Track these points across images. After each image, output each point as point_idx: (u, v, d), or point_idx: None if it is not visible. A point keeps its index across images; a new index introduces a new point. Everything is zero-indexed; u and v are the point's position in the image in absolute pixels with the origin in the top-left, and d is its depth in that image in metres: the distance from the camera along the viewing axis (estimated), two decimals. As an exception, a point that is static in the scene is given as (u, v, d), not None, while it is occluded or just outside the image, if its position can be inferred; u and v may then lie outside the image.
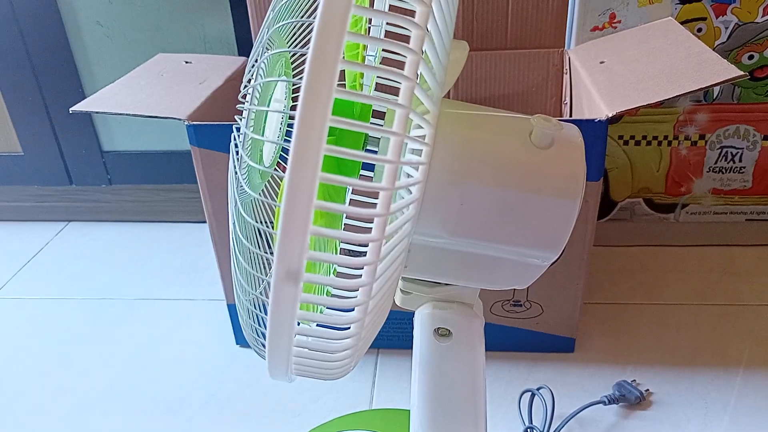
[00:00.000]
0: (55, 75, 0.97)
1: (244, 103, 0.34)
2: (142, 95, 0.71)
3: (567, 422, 0.64)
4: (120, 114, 0.67)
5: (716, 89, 0.82)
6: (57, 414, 0.71)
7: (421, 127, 0.30)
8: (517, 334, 0.74)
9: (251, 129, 0.33)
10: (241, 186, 0.31)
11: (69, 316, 0.88)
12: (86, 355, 0.80)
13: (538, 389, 0.65)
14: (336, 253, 0.38)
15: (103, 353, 0.80)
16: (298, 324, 0.28)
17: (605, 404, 0.66)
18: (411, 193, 0.30)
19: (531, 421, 0.64)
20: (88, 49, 0.96)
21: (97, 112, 0.67)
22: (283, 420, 0.69)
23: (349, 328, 0.29)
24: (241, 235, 0.31)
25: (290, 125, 0.27)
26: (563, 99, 0.83)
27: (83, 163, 1.04)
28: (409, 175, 0.30)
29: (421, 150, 0.30)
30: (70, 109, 0.65)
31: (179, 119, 0.64)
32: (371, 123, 0.36)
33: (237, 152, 0.33)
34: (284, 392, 0.72)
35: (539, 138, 0.34)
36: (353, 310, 0.28)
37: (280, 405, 0.71)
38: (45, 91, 0.99)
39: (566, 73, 0.81)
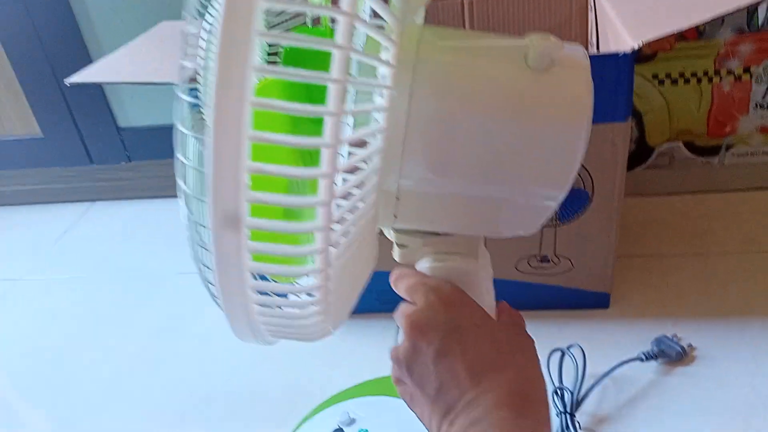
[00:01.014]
0: (67, 56, 0.96)
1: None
2: (143, 63, 0.69)
3: (601, 381, 0.60)
4: (119, 83, 0.65)
5: (761, 15, 0.74)
6: (86, 390, 0.71)
7: (387, 50, 0.26)
8: (546, 292, 0.70)
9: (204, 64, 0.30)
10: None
11: (96, 294, 0.88)
12: (114, 332, 0.80)
13: (568, 348, 0.61)
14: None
15: (130, 330, 0.80)
16: (256, 278, 0.25)
17: (642, 360, 0.62)
18: (376, 138, 0.26)
19: (561, 382, 0.60)
20: (97, 29, 0.94)
21: (96, 82, 0.65)
22: (301, 390, 0.67)
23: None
24: (180, 181, 0.27)
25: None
26: (589, 39, 0.77)
27: (101, 141, 1.03)
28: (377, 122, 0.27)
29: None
30: (66, 81, 0.62)
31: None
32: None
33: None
34: (300, 362, 0.70)
35: (536, 59, 0.30)
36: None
37: (305, 375, 0.69)
38: (58, 73, 0.98)
39: (591, 11, 0.75)
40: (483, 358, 0.32)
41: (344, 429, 0.58)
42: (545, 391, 0.34)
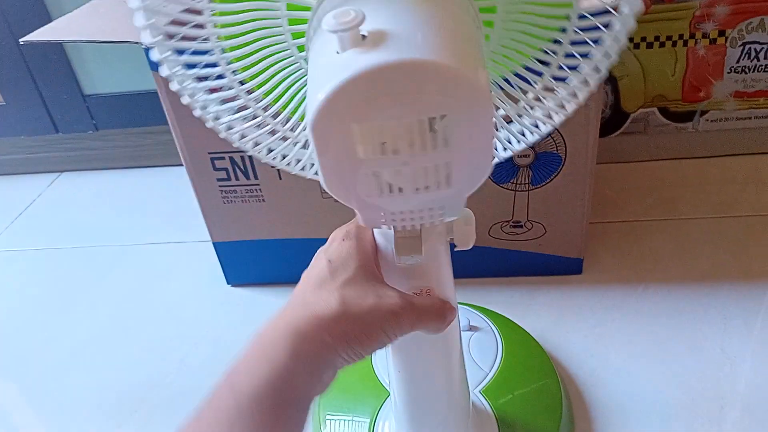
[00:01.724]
0: (28, 18, 0.92)
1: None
2: (101, 22, 0.66)
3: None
4: (77, 41, 0.62)
5: (737, -23, 0.73)
6: (52, 360, 0.70)
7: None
8: (519, 258, 0.69)
9: None
10: None
11: (63, 264, 0.86)
12: (81, 302, 0.78)
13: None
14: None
15: (97, 299, 0.78)
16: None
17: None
18: None
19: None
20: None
21: (52, 41, 0.62)
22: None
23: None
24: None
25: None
26: None
27: (66, 109, 1.00)
28: None
29: None
30: (21, 39, 0.60)
31: (137, 43, 0.59)
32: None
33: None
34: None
35: None
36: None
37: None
38: (18, 36, 0.94)
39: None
40: (309, 282, 0.35)
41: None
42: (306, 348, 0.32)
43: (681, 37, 0.77)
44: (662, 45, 0.78)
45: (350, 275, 0.34)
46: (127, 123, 1.00)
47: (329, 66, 0.25)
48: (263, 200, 0.67)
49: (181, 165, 0.99)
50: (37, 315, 0.77)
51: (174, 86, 0.33)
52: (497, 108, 0.35)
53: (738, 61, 0.78)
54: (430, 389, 0.44)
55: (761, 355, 0.58)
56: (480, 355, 0.58)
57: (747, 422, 0.53)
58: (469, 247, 0.37)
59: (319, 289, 0.34)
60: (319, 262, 0.35)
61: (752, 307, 0.63)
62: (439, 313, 0.36)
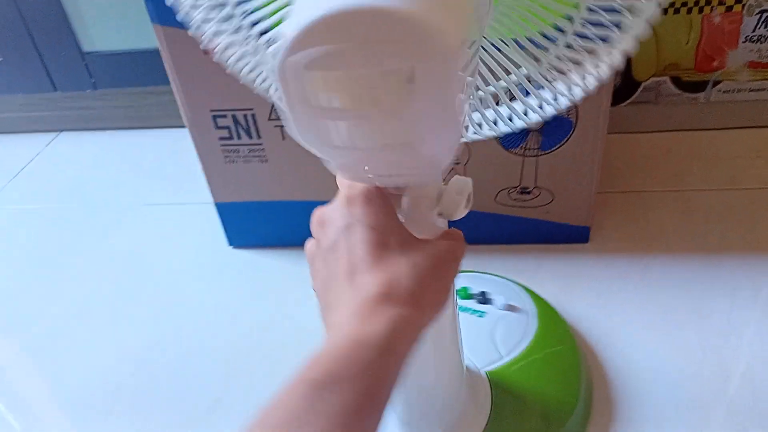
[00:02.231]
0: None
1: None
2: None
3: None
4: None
5: (758, -59, 0.71)
6: (50, 319, 0.69)
7: None
8: (525, 225, 0.68)
9: None
10: None
11: (62, 224, 0.85)
12: (80, 261, 0.77)
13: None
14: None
15: (97, 260, 0.77)
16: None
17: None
18: None
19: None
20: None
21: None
22: (279, 318, 0.65)
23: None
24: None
25: None
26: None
27: (64, 66, 0.98)
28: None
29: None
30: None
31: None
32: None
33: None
34: (280, 291, 0.68)
35: None
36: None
37: (275, 303, 0.67)
38: (15, -11, 0.92)
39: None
40: (365, 258, 0.30)
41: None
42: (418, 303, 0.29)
43: (696, 3, 0.75)
44: (677, 11, 0.76)
45: (399, 236, 0.31)
46: (127, 82, 0.98)
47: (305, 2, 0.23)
48: (266, 160, 0.66)
49: (182, 127, 0.98)
50: (34, 273, 0.77)
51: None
52: (518, 66, 0.33)
53: (754, 30, 0.76)
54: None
55: (767, 327, 0.58)
56: (504, 337, 0.55)
57: (751, 393, 0.52)
58: (455, 218, 0.35)
59: (379, 261, 0.30)
60: (355, 235, 0.31)
61: (760, 280, 0.62)
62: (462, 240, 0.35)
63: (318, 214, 0.33)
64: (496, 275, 0.63)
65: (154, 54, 0.94)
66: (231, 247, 0.76)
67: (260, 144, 0.65)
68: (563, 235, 0.68)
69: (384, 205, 0.32)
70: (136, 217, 0.84)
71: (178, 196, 0.87)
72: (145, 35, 0.93)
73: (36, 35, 0.95)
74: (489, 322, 0.57)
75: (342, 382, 0.25)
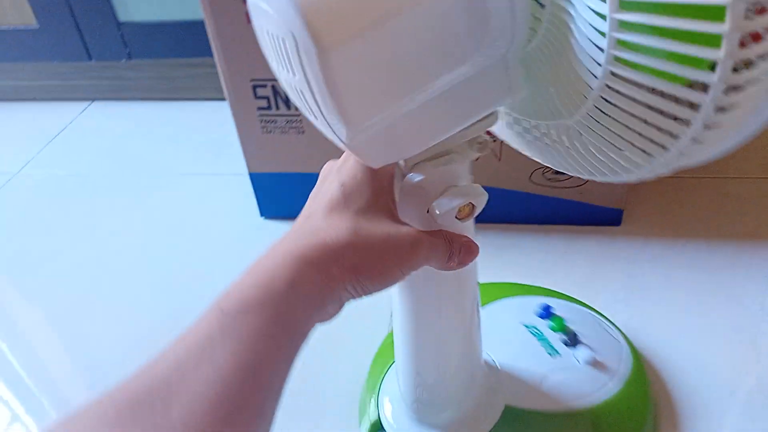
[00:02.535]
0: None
1: None
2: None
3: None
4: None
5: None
6: (80, 286, 0.70)
7: None
8: (558, 205, 0.68)
9: None
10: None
11: (94, 190, 0.86)
12: (112, 228, 0.79)
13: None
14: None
15: (129, 227, 0.79)
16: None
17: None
18: None
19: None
20: None
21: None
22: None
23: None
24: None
25: None
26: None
27: (100, 35, 0.99)
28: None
29: None
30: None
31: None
32: None
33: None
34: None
35: None
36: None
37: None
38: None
39: None
40: (319, 209, 0.31)
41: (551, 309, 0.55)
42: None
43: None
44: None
45: (365, 203, 0.31)
46: (162, 53, 0.98)
47: None
48: (303, 132, 0.66)
49: (215, 99, 0.98)
50: (65, 239, 0.78)
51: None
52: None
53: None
54: (439, 333, 0.41)
55: (802, 314, 0.58)
56: (560, 388, 0.48)
57: (784, 378, 0.52)
58: (443, 223, 0.33)
59: (329, 214, 0.31)
60: (330, 184, 0.32)
61: (795, 268, 0.62)
62: (468, 249, 0.34)
63: (329, 162, 0.35)
64: (607, 320, 0.56)
65: (190, 25, 0.96)
66: (263, 218, 0.77)
67: (297, 115, 0.65)
68: (596, 217, 0.68)
69: (365, 171, 0.32)
70: (167, 187, 0.85)
71: (210, 167, 0.88)
72: (182, 6, 0.94)
73: (73, 3, 0.96)
74: (554, 367, 0.50)
75: (253, 309, 0.27)
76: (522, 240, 0.69)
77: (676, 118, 0.24)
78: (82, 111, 1.06)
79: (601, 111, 0.26)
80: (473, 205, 0.33)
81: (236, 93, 0.65)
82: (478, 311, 0.43)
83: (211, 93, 1.00)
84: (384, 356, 0.54)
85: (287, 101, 0.64)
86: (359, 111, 0.26)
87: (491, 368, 0.50)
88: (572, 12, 0.25)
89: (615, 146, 0.28)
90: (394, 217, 0.32)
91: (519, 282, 0.60)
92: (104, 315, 0.66)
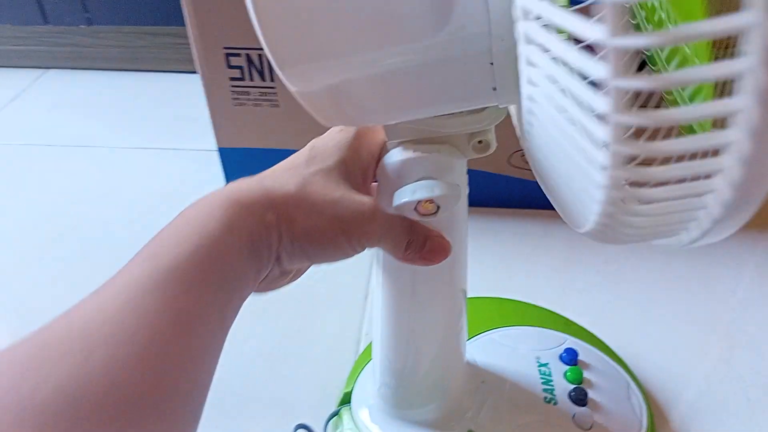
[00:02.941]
0: None
1: None
2: None
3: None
4: None
5: None
6: (34, 264, 0.66)
7: None
8: (536, 189, 0.67)
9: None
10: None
11: (47, 165, 0.81)
12: (66, 205, 0.74)
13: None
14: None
15: (85, 204, 0.74)
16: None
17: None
18: None
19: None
20: None
21: None
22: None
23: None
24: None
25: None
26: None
27: (58, -2, 0.93)
28: None
29: None
30: None
31: None
32: None
33: None
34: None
35: None
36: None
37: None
38: None
39: None
40: (285, 163, 0.31)
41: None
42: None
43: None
44: None
45: (326, 166, 0.30)
46: (124, 20, 0.93)
47: None
48: (277, 105, 0.63)
49: (179, 72, 0.94)
50: (13, 215, 0.73)
51: None
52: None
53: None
54: (412, 320, 0.39)
55: None
56: None
57: (756, 363, 0.53)
58: (400, 211, 0.31)
59: (285, 171, 0.30)
60: (303, 149, 0.32)
61: (766, 255, 0.63)
62: (436, 246, 0.32)
63: None
64: (637, 382, 0.49)
65: (155, -8, 0.91)
66: (231, 196, 0.74)
67: (272, 87, 0.62)
68: (573, 202, 0.68)
69: (342, 139, 0.31)
70: (127, 161, 0.81)
71: (174, 142, 0.84)
72: (147, -29, 0.89)
73: (29, -38, 0.90)
74: (540, 417, 0.45)
75: (186, 258, 0.25)
76: (499, 224, 0.68)
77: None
78: (36, 79, 1.00)
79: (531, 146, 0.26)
80: (437, 204, 0.30)
81: (208, 62, 0.61)
82: (462, 310, 0.40)
83: (176, 65, 0.96)
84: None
85: (261, 72, 0.61)
86: (290, 52, 0.24)
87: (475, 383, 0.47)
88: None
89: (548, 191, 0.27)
90: (356, 187, 0.30)
91: (562, 314, 0.55)
92: (57, 295, 0.62)
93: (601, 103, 0.16)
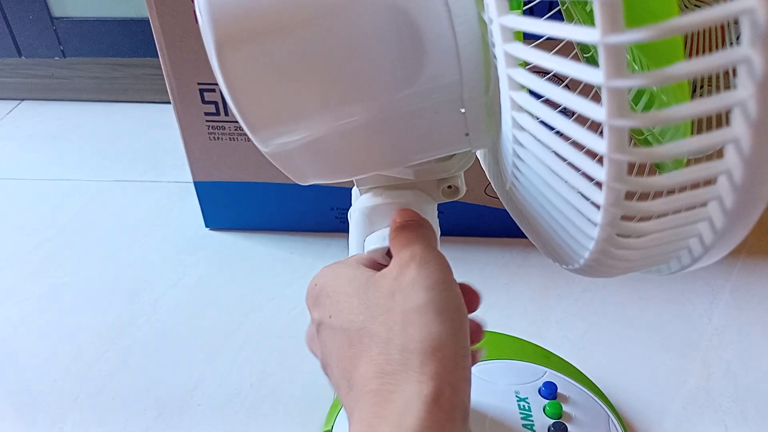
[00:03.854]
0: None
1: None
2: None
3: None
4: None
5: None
6: (18, 302, 0.65)
7: None
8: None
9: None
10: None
11: (20, 198, 0.80)
12: (45, 238, 0.73)
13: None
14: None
15: (63, 237, 0.73)
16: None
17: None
18: None
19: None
20: None
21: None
22: (255, 301, 0.63)
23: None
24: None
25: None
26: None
27: (32, 30, 0.92)
28: None
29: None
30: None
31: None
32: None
33: None
34: (256, 276, 0.66)
35: None
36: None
37: (252, 289, 0.65)
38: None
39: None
40: (342, 350, 0.26)
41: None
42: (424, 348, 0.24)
43: None
44: None
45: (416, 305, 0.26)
46: (98, 52, 0.93)
47: None
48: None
49: (154, 102, 0.94)
50: (-6, 248, 0.72)
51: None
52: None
53: None
54: None
55: (747, 327, 0.59)
56: None
57: (734, 390, 0.53)
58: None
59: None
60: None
61: (740, 282, 0.64)
62: None
63: (308, 288, 0.31)
64: (611, 407, 0.49)
65: (129, 23, 0.91)
66: (207, 229, 0.73)
67: (248, 122, 0.62)
68: (549, 230, 0.68)
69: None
70: (103, 195, 0.80)
71: (149, 174, 0.83)
72: (121, 3, 0.89)
73: (2, -4, 0.89)
74: None
75: None
76: (477, 253, 0.68)
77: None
78: (10, 111, 0.99)
79: (516, 190, 0.25)
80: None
81: (182, 97, 0.61)
82: None
83: (151, 96, 0.95)
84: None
85: (237, 107, 0.61)
86: (261, 120, 0.24)
87: None
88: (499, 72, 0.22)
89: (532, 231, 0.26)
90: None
91: (540, 345, 0.55)
92: (36, 331, 0.61)
93: (599, 143, 0.16)
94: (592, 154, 0.16)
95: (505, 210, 0.69)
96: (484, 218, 0.68)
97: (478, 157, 0.34)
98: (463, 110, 0.24)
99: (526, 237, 0.73)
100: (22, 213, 0.77)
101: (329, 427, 0.47)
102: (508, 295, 0.63)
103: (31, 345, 0.59)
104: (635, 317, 0.61)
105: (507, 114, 0.21)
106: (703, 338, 0.58)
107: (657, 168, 0.24)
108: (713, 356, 0.56)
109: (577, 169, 0.18)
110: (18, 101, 1.00)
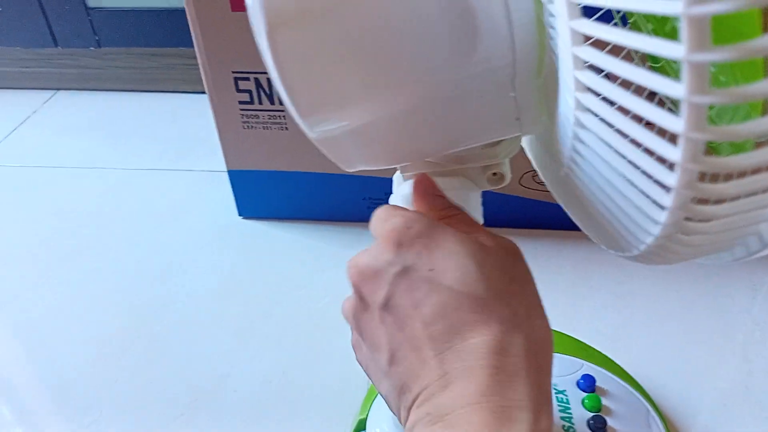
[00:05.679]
0: None
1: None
2: None
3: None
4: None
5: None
6: (49, 290, 0.66)
7: None
8: (547, 210, 0.67)
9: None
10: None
11: (57, 187, 0.82)
12: (80, 225, 0.74)
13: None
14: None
15: (98, 224, 0.74)
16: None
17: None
18: None
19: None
20: None
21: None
22: (286, 290, 0.63)
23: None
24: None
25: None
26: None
27: (67, 21, 0.94)
28: None
29: None
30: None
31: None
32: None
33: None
34: (288, 264, 0.66)
35: None
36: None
37: (283, 277, 0.65)
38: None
39: None
40: (445, 310, 0.24)
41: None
42: (545, 348, 0.25)
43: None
44: None
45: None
46: (132, 42, 0.94)
47: None
48: (286, 128, 0.63)
49: (187, 92, 0.94)
50: (27, 238, 0.73)
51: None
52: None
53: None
54: None
55: (789, 323, 0.58)
56: None
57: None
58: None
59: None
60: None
61: (780, 276, 0.62)
62: None
63: (355, 263, 0.27)
64: (650, 400, 0.49)
65: (164, 13, 0.92)
66: (241, 217, 0.73)
67: (281, 110, 0.62)
68: (584, 221, 0.67)
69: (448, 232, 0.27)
70: (136, 183, 0.81)
71: (183, 163, 0.84)
72: (155, -7, 0.90)
73: (39, -14, 0.91)
74: None
75: None
76: (509, 244, 0.67)
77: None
78: (46, 101, 1.00)
79: (574, 175, 0.24)
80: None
81: (216, 86, 0.62)
82: None
83: (185, 85, 0.96)
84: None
85: (270, 95, 0.61)
86: (312, 103, 0.24)
87: None
88: (556, 52, 0.21)
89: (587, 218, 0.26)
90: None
91: (576, 337, 0.54)
92: (70, 317, 0.62)
93: (675, 122, 0.15)
94: (662, 134, 0.16)
95: (538, 201, 0.68)
96: (517, 209, 0.67)
97: (523, 146, 0.33)
98: (513, 94, 0.24)
99: (559, 228, 0.72)
100: (57, 200, 0.79)
101: (364, 415, 0.47)
102: (541, 286, 0.62)
103: (65, 329, 0.61)
104: (671, 311, 0.59)
105: (569, 95, 0.20)
106: (744, 333, 0.57)
107: (713, 150, 0.23)
108: (754, 352, 0.55)
109: (646, 151, 0.17)
110: (54, 91, 1.02)
